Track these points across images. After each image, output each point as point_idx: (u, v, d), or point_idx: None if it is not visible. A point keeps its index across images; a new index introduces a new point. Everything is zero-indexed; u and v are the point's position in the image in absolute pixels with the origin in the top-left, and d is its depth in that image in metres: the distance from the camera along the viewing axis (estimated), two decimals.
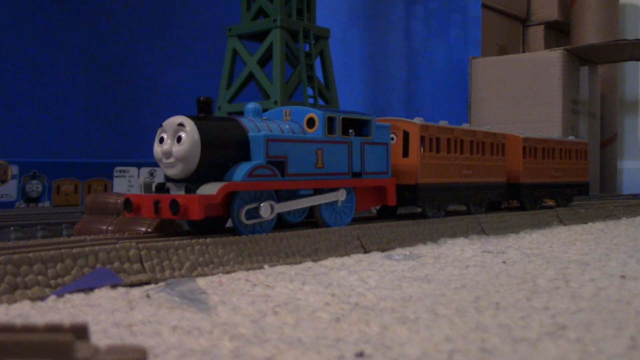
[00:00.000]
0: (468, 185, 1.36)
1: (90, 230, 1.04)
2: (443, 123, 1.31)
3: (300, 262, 0.92)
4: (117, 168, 1.73)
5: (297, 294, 0.69)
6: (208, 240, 0.86)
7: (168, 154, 0.89)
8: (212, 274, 0.82)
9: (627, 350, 0.48)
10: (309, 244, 0.97)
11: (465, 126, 1.38)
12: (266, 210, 0.93)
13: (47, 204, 1.62)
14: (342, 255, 0.99)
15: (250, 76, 1.70)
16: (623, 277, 0.81)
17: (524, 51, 3.18)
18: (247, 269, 0.86)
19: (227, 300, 0.66)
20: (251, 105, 1.04)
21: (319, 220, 1.06)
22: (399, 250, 1.05)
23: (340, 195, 1.07)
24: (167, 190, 0.92)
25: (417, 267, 0.89)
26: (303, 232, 0.97)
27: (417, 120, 1.24)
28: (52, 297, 0.66)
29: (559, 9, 3.15)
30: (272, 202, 0.94)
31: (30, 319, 0.58)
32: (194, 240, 0.84)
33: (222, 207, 0.92)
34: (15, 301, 0.65)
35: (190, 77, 2.38)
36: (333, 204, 1.07)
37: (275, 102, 1.61)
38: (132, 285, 0.74)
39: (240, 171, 0.91)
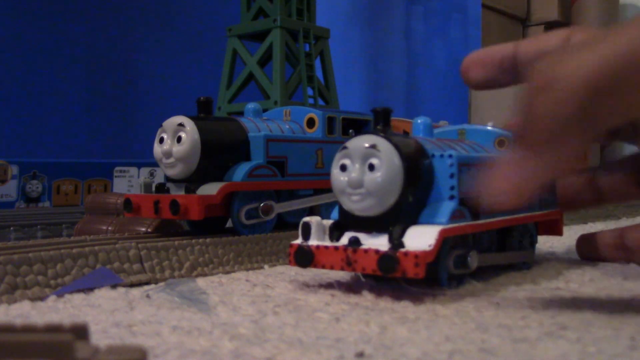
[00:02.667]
0: None
1: (90, 230, 1.04)
2: (443, 123, 1.31)
3: None
4: (117, 168, 1.73)
5: (297, 294, 0.69)
6: (208, 240, 0.86)
7: (168, 154, 0.89)
8: (212, 274, 0.82)
9: (627, 350, 0.48)
10: None
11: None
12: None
13: (47, 204, 1.62)
14: None
15: (250, 76, 1.70)
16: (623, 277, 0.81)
17: None
18: (247, 269, 0.86)
19: (227, 300, 0.66)
20: (251, 105, 1.04)
21: None
22: None
23: None
24: (167, 190, 0.92)
25: None
26: None
27: None
28: (52, 297, 0.66)
29: (559, 9, 3.15)
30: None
31: (30, 319, 0.58)
32: (194, 240, 0.84)
33: (222, 207, 0.92)
34: (15, 301, 0.65)
35: (190, 77, 2.38)
36: (333, 204, 1.07)
37: (275, 102, 1.61)
38: (132, 285, 0.74)
39: (240, 171, 0.91)
